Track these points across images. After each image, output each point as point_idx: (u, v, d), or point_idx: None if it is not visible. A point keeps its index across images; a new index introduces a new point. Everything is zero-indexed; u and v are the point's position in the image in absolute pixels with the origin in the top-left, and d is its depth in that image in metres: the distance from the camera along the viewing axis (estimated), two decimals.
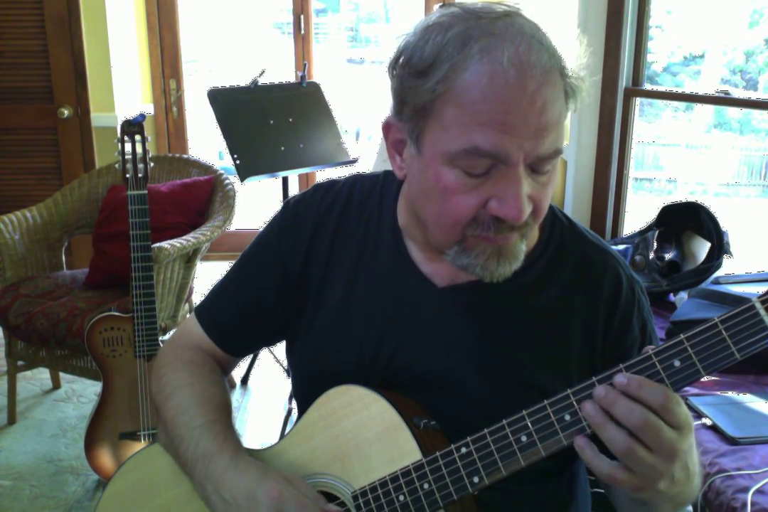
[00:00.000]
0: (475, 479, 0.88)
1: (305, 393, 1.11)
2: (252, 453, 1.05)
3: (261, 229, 1.15)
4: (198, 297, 1.21)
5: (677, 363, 0.79)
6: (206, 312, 1.17)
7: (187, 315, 2.64)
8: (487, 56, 0.81)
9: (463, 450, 0.89)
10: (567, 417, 0.83)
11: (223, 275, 1.18)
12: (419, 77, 0.84)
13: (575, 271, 1.01)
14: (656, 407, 0.78)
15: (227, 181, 2.93)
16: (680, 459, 0.80)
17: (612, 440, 0.79)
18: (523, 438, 0.85)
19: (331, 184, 1.12)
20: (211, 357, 1.16)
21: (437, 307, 0.95)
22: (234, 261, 1.17)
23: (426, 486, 0.91)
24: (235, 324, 1.14)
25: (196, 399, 1.07)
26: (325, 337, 1.07)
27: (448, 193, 0.87)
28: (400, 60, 0.87)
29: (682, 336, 0.79)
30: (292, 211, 1.11)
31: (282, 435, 1.36)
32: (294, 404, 1.19)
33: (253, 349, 1.24)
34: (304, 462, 1.01)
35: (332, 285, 1.07)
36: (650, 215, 2.57)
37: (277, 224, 1.12)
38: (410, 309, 1.00)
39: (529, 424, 0.85)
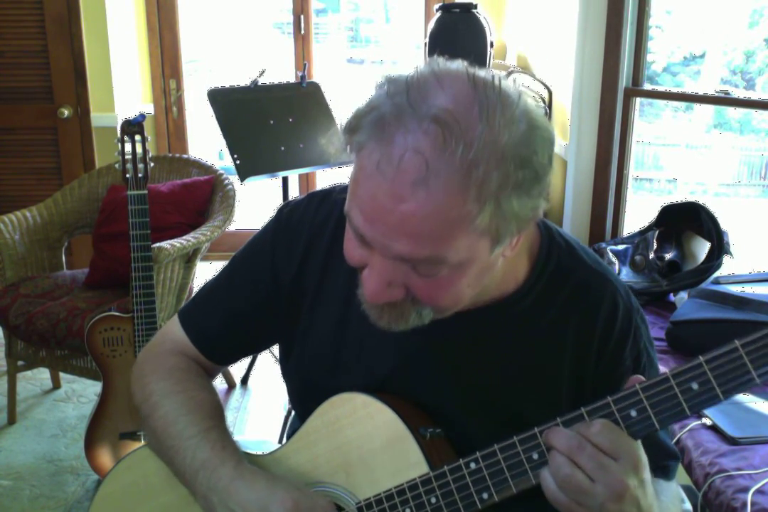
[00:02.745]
0: (485, 495, 0.87)
1: (301, 405, 1.10)
2: (252, 458, 1.03)
3: (253, 236, 1.12)
4: (191, 298, 1.18)
5: (695, 386, 0.77)
6: (191, 318, 1.13)
7: None
8: (382, 148, 0.77)
9: (473, 465, 0.87)
10: None
11: (211, 279, 1.14)
12: (344, 132, 0.83)
13: (571, 299, 0.98)
14: (588, 434, 0.80)
15: (227, 181, 2.93)
16: (630, 495, 0.79)
17: (554, 465, 0.81)
18: (535, 456, 0.84)
19: (326, 194, 1.08)
20: (195, 363, 1.13)
21: (429, 333, 0.92)
22: (224, 266, 1.14)
23: (433, 500, 0.89)
24: (221, 334, 1.11)
25: (186, 407, 1.05)
26: (319, 356, 1.05)
27: (346, 235, 0.88)
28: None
29: (701, 358, 0.77)
30: (285, 221, 1.08)
31: (282, 436, 1.35)
32: None
33: (238, 358, 1.21)
34: (306, 470, 1.00)
35: (326, 301, 1.04)
36: (650, 215, 2.57)
37: (270, 234, 1.09)
38: (402, 333, 0.95)
39: (542, 442, 0.84)
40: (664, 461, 1.05)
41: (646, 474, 0.82)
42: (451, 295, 0.86)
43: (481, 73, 0.81)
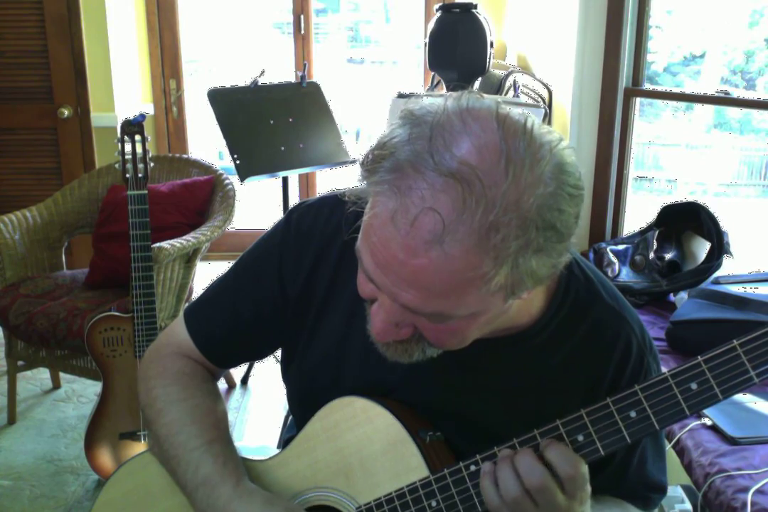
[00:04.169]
0: None
1: (301, 411, 1.09)
2: (252, 464, 1.03)
3: (261, 237, 1.09)
4: (197, 297, 1.17)
5: (694, 386, 0.77)
6: (195, 320, 1.12)
7: None
8: (399, 199, 0.73)
9: (473, 468, 0.87)
10: (580, 438, 0.82)
11: (218, 280, 1.13)
12: (361, 167, 0.79)
13: (586, 339, 0.96)
14: (563, 476, 0.81)
15: (227, 181, 2.93)
16: None
17: (505, 483, 0.82)
18: None
19: (338, 202, 1.02)
20: (201, 366, 1.13)
21: (437, 358, 0.89)
22: (231, 265, 1.12)
23: (434, 503, 0.89)
24: (224, 338, 1.10)
25: (191, 416, 1.04)
26: (321, 367, 1.05)
27: (359, 268, 0.85)
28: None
29: (700, 358, 0.77)
30: (295, 227, 1.04)
31: (281, 436, 1.35)
32: None
33: (241, 362, 1.20)
34: (306, 475, 1.00)
35: (332, 312, 1.03)
36: (650, 215, 2.57)
37: (278, 240, 1.06)
38: None
39: (540, 445, 0.84)
40: (647, 493, 1.06)
41: (586, 506, 0.85)
42: (458, 339, 0.85)
43: (514, 115, 0.76)
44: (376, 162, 0.76)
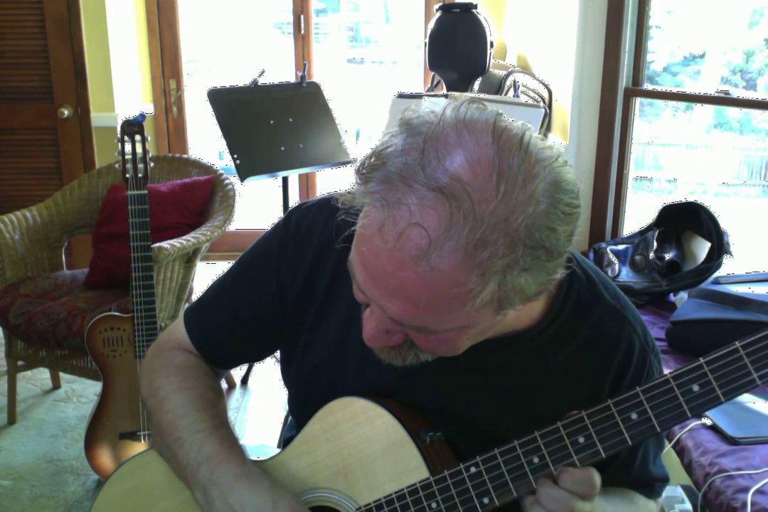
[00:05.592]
0: (485, 500, 0.86)
1: (300, 412, 1.09)
2: (253, 464, 1.03)
3: (260, 238, 1.09)
4: (197, 297, 1.18)
5: (696, 388, 0.77)
6: (194, 321, 1.13)
7: None
8: (388, 212, 0.73)
9: (473, 469, 0.87)
10: (581, 440, 0.82)
11: (217, 281, 1.13)
12: (355, 173, 0.78)
13: (588, 339, 0.96)
14: (583, 495, 0.83)
15: (227, 181, 2.93)
16: None
17: None
18: (535, 460, 0.84)
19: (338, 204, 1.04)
20: (203, 361, 1.13)
21: (438, 360, 0.89)
22: (231, 266, 1.12)
23: (434, 505, 0.89)
24: (223, 339, 1.10)
25: (195, 404, 1.04)
26: (320, 369, 1.05)
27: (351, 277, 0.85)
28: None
29: (701, 359, 0.77)
30: (293, 229, 1.04)
31: (281, 436, 1.35)
32: None
33: (240, 363, 1.20)
34: (306, 475, 0.99)
35: (332, 315, 1.03)
36: (650, 215, 2.57)
37: (277, 242, 1.05)
38: None
39: (542, 446, 0.84)
40: (651, 483, 1.07)
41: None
42: (449, 348, 0.85)
43: (512, 129, 0.74)
44: (369, 171, 0.75)
